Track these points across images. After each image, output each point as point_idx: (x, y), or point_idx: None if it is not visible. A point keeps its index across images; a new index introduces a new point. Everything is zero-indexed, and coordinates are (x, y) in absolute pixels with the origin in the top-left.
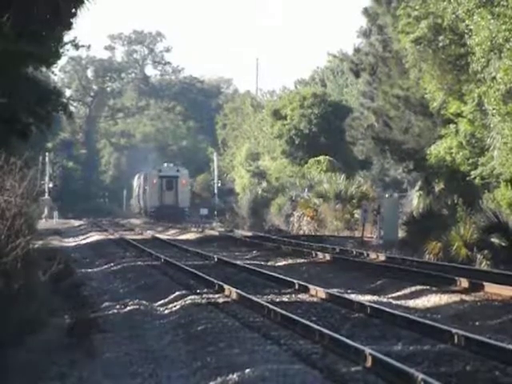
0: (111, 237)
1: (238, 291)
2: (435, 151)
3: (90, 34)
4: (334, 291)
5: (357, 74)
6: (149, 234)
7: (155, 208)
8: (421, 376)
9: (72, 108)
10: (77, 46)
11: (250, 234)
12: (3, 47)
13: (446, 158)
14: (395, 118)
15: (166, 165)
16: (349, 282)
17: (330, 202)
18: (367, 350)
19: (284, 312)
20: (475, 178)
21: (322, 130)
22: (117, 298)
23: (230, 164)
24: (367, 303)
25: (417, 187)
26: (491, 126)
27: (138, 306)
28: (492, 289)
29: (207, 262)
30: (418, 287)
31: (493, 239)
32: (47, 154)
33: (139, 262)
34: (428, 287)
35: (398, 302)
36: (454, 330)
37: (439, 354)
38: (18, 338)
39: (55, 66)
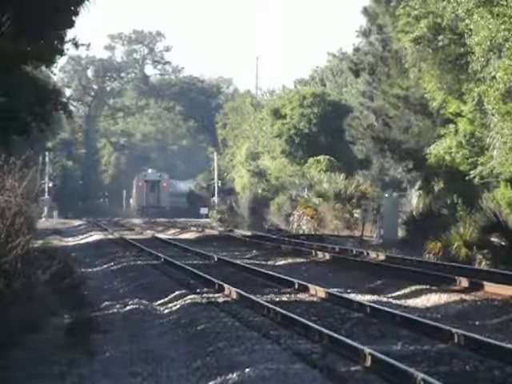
0: (111, 236)
1: (238, 291)
2: (435, 151)
3: (90, 33)
4: (334, 291)
5: (356, 74)
6: (149, 233)
7: (141, 207)
8: (420, 375)
9: (72, 107)
10: (76, 45)
11: (249, 233)
12: (3, 47)
13: (445, 157)
14: (395, 117)
15: (150, 171)
16: (348, 281)
17: (330, 202)
18: (367, 350)
19: (284, 311)
20: (475, 177)
21: (321, 130)
22: (117, 297)
23: (230, 163)
24: (367, 303)
25: (416, 187)
26: (491, 125)
27: (137, 306)
28: (492, 288)
29: (207, 262)
30: (418, 286)
31: (492, 239)
32: (47, 153)
33: (139, 262)
34: (428, 287)
35: (398, 302)
36: (453, 330)
37: (439, 354)
38: (18, 337)
39: (55, 65)
